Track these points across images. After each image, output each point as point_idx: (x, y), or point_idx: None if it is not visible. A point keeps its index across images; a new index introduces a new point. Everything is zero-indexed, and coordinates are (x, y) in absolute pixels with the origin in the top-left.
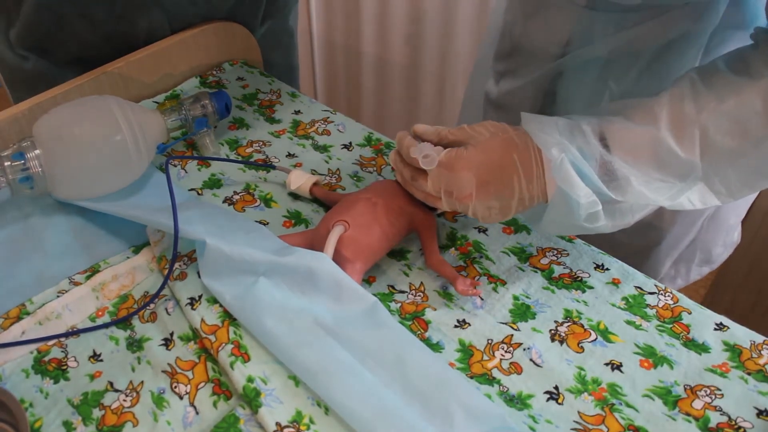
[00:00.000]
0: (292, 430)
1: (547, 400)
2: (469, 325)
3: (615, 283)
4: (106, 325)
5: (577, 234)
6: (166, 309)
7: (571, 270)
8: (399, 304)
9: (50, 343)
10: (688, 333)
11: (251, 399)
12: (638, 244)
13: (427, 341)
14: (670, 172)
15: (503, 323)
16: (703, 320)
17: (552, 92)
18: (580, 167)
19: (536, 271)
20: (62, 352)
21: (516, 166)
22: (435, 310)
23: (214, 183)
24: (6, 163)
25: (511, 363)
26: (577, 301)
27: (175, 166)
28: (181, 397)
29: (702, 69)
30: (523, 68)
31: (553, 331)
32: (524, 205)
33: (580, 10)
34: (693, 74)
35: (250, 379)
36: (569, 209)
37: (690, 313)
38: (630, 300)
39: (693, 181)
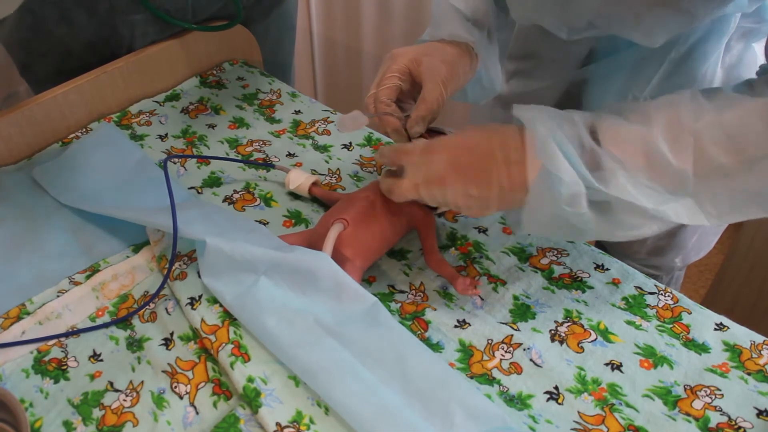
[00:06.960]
0: (292, 430)
1: (547, 400)
2: (469, 325)
3: (615, 283)
4: (106, 325)
5: (559, 236)
6: (166, 309)
7: (571, 270)
8: (399, 304)
9: (50, 343)
10: (688, 333)
11: (251, 399)
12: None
13: (427, 341)
14: (660, 180)
15: (503, 323)
16: (703, 320)
17: (571, 95)
18: (566, 150)
19: (536, 271)
20: (62, 352)
21: (494, 150)
22: (435, 310)
23: (213, 181)
24: None
25: (511, 363)
26: (577, 301)
27: (174, 163)
28: (181, 397)
29: (705, 88)
30: (539, 71)
31: (553, 331)
32: (504, 195)
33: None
34: (695, 89)
35: (250, 379)
36: (551, 195)
37: (690, 313)
38: (630, 300)
39: (683, 195)
